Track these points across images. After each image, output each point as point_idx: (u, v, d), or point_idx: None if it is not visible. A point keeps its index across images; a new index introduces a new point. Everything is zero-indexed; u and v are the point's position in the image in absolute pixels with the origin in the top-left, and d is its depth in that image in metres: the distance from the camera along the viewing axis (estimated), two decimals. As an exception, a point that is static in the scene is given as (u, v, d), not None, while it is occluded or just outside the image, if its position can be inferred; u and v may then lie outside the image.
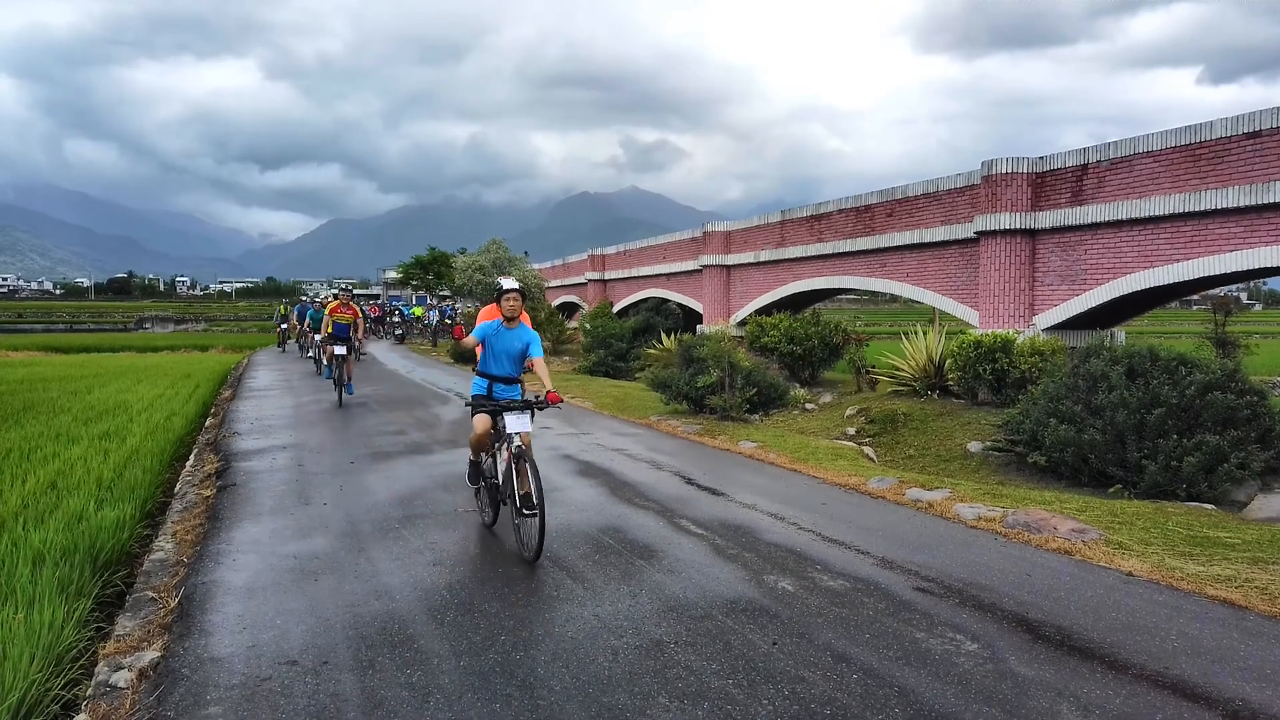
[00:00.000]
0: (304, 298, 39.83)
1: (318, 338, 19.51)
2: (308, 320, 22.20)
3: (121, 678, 3.68)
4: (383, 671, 3.76)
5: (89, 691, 3.61)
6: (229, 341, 47.11)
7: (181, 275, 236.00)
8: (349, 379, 13.95)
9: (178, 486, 7.81)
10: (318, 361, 19.70)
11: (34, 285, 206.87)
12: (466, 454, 9.34)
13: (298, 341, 27.09)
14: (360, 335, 13.87)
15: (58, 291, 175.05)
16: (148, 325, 74.47)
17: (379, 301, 56.96)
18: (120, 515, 5.84)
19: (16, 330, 63.38)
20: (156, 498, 7.28)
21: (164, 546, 5.77)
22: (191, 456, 9.38)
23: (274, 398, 15.21)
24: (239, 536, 6.03)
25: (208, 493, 7.44)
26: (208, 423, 12.25)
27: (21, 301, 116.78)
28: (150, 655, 3.92)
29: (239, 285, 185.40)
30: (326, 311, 14.10)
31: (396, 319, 39.83)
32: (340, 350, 13.63)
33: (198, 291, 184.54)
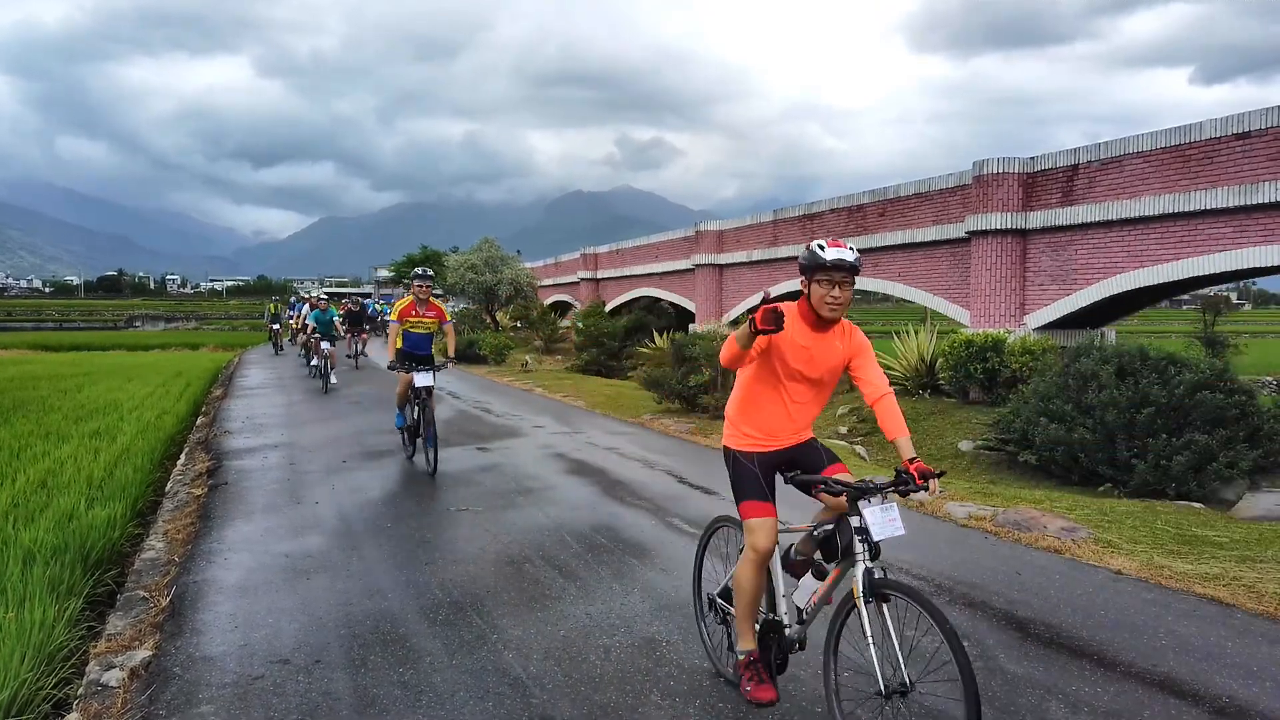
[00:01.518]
0: (294, 296, 38.83)
1: (326, 346, 16.03)
2: (311, 323, 17.60)
3: (113, 677, 3.67)
4: (375, 670, 3.76)
5: (80, 690, 3.60)
6: (220, 340, 46.93)
7: (172, 273, 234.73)
8: (432, 426, 8.19)
9: (169, 485, 7.78)
10: (325, 378, 15.79)
11: (23, 283, 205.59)
12: (458, 452, 9.41)
13: (301, 345, 21.25)
14: (452, 350, 9.10)
15: (47, 290, 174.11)
16: (138, 323, 74.16)
17: (368, 298, 56.61)
18: (111, 514, 5.81)
19: (6, 328, 63.06)
20: (148, 496, 7.24)
21: (155, 545, 5.75)
22: (183, 455, 9.34)
23: (265, 396, 15.17)
24: (231, 535, 6.02)
25: (199, 491, 7.41)
26: (199, 421, 12.20)
27: (11, 300, 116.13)
28: (142, 654, 3.91)
29: (230, 283, 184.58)
30: (394, 315, 8.60)
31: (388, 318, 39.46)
32: (424, 380, 8.21)
33: (188, 290, 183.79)
